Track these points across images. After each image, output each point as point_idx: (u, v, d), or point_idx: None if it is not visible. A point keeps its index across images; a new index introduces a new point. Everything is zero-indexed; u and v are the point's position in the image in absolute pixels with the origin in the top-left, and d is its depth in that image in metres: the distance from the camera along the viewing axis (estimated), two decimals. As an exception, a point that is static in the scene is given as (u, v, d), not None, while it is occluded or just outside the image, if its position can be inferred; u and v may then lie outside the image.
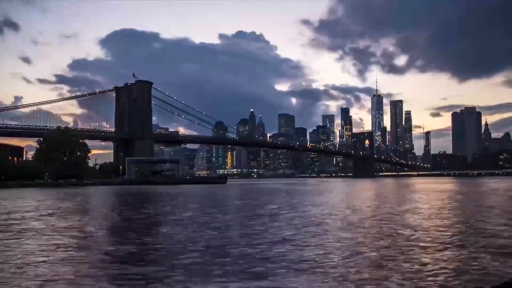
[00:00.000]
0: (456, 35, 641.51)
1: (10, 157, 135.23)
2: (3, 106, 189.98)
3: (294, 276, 10.54)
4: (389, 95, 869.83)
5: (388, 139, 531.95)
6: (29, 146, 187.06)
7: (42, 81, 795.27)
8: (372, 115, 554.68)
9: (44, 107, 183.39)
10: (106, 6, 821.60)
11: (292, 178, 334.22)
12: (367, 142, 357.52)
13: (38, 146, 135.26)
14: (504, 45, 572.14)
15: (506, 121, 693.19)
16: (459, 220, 22.53)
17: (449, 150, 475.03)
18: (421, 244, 15.04)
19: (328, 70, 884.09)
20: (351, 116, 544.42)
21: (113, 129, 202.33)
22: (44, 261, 12.53)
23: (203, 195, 60.49)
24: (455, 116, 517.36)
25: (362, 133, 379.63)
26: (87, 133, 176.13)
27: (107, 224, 24.03)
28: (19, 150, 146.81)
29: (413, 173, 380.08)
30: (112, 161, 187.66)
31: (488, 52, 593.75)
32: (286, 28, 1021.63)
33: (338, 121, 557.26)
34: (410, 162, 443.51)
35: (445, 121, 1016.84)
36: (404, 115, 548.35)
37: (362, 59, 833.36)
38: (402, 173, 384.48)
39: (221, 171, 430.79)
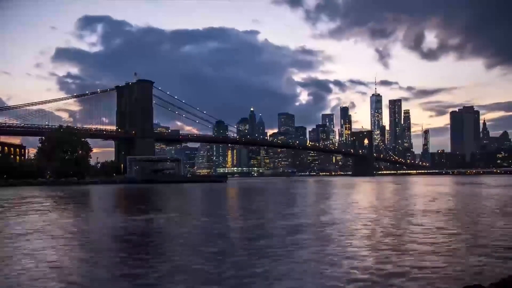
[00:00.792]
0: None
1: (12, 156, 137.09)
2: (5, 105, 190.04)
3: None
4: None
5: (387, 138, 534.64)
6: (31, 144, 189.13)
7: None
8: (371, 114, 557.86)
9: (46, 106, 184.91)
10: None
11: (292, 177, 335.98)
12: (366, 141, 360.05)
13: (40, 145, 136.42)
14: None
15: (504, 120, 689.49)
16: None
17: (448, 149, 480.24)
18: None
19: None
20: (350, 115, 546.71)
21: (114, 128, 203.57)
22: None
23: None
24: (453, 115, 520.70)
25: (361, 132, 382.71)
26: (89, 132, 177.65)
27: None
28: (21, 149, 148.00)
29: (412, 171, 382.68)
30: (113, 159, 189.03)
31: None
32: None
33: (337, 120, 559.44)
34: (409, 161, 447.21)
35: (444, 120, 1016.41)
36: (403, 114, 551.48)
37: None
38: (401, 171, 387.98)
39: (221, 170, 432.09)
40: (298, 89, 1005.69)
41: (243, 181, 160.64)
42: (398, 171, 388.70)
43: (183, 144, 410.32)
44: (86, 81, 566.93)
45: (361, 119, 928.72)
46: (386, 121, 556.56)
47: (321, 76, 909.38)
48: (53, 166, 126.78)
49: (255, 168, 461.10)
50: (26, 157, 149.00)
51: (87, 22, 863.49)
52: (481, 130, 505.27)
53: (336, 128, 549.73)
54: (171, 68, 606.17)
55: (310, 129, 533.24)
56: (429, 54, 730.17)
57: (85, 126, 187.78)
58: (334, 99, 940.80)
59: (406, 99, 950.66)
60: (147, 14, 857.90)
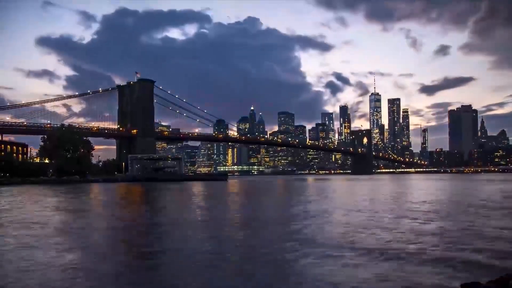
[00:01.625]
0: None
1: (14, 154, 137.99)
2: (7, 103, 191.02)
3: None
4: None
5: (386, 137, 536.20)
6: (33, 143, 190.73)
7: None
8: (370, 113, 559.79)
9: (48, 104, 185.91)
10: None
11: (291, 175, 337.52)
12: (365, 139, 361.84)
13: (42, 143, 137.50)
14: None
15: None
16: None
17: (446, 147, 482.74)
18: None
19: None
20: (349, 114, 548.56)
21: (116, 127, 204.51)
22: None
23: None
24: (452, 114, 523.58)
25: (361, 131, 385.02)
26: (90, 130, 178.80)
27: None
28: (23, 147, 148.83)
29: (410, 170, 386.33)
30: (115, 158, 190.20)
31: None
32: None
33: (337, 118, 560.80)
34: (407, 159, 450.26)
35: (442, 118, 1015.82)
36: (401, 113, 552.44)
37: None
38: (400, 170, 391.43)
39: (221, 168, 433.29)
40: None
41: (248, 180, 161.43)
42: (397, 170, 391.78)
43: (184, 143, 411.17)
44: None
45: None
46: (385, 120, 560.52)
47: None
48: (55, 165, 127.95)
49: (255, 167, 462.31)
50: (29, 155, 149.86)
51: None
52: (479, 128, 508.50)
53: (336, 127, 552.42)
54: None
55: (310, 128, 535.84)
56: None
57: (86, 125, 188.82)
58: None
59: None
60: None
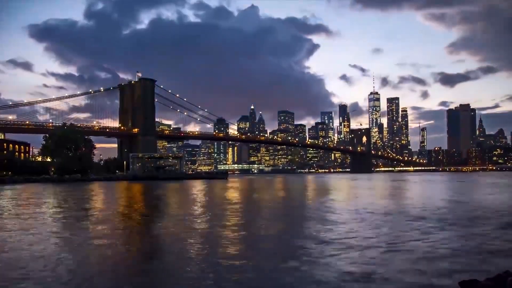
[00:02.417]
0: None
1: (17, 153, 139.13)
2: (10, 103, 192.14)
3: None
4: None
5: (385, 136, 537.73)
6: (35, 142, 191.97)
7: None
8: (369, 112, 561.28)
9: (50, 104, 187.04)
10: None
11: (291, 174, 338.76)
12: (364, 138, 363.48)
13: (44, 142, 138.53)
14: None
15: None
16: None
17: (445, 146, 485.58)
18: None
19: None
20: (348, 112, 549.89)
21: (117, 125, 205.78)
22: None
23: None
24: (450, 113, 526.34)
25: (360, 130, 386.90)
26: (92, 129, 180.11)
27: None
28: (25, 146, 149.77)
29: (409, 168, 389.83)
30: (116, 156, 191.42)
31: None
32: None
33: (337, 117, 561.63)
34: (406, 158, 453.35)
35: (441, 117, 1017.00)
36: (400, 112, 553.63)
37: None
38: (399, 168, 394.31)
39: (222, 167, 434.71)
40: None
41: (249, 179, 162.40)
42: (396, 168, 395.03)
43: (185, 141, 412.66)
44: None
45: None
46: (384, 118, 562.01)
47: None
48: (57, 163, 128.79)
49: (255, 165, 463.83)
50: (31, 154, 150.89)
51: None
52: (477, 127, 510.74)
53: (335, 126, 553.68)
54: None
55: (310, 127, 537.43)
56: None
57: (88, 124, 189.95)
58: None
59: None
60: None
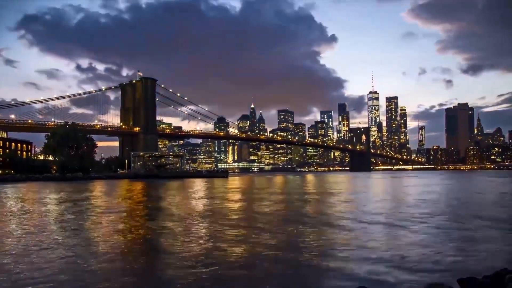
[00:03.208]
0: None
1: (19, 152, 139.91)
2: (12, 102, 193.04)
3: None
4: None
5: (384, 134, 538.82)
6: (37, 141, 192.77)
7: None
8: (368, 111, 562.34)
9: (52, 103, 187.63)
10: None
11: (291, 172, 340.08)
12: (363, 137, 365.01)
13: (46, 141, 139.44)
14: None
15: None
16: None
17: (443, 145, 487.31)
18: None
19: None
20: (348, 111, 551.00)
21: (119, 124, 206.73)
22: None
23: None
24: (448, 112, 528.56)
25: (359, 128, 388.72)
26: (94, 128, 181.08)
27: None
28: (28, 145, 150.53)
29: (408, 167, 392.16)
30: (117, 155, 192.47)
31: None
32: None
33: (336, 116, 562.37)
34: (405, 156, 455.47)
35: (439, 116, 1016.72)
36: (399, 111, 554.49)
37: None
38: (398, 167, 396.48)
39: (222, 165, 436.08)
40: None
41: (251, 177, 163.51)
42: (395, 167, 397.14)
43: (186, 140, 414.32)
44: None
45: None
46: (383, 117, 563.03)
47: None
48: (59, 162, 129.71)
49: (255, 164, 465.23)
50: (33, 153, 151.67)
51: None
52: (475, 126, 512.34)
53: (335, 124, 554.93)
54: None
55: (309, 126, 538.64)
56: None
57: (90, 123, 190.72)
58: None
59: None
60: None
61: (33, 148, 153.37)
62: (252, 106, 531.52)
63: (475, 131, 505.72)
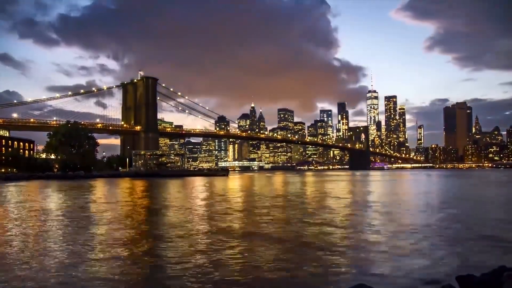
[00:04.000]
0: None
1: (21, 150, 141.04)
2: (14, 101, 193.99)
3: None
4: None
5: (383, 133, 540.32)
6: (39, 139, 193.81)
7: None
8: (367, 110, 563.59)
9: (54, 102, 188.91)
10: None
11: (291, 170, 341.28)
12: (363, 135, 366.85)
13: (48, 139, 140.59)
14: None
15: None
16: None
17: (442, 143, 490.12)
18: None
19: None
20: (347, 110, 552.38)
21: (120, 123, 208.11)
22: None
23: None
24: (447, 111, 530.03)
25: (358, 127, 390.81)
26: (95, 126, 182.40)
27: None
28: (30, 143, 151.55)
29: (406, 165, 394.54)
30: (119, 153, 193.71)
31: None
32: None
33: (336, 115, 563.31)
34: (404, 155, 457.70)
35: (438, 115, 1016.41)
36: (398, 110, 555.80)
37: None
38: (396, 165, 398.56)
39: (222, 164, 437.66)
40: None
41: (250, 175, 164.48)
42: (393, 165, 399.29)
43: (186, 139, 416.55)
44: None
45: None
46: (382, 116, 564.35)
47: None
48: (61, 160, 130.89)
49: (256, 162, 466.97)
50: (35, 151, 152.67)
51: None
52: (473, 125, 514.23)
53: (334, 123, 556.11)
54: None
55: (309, 124, 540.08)
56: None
57: (91, 121, 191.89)
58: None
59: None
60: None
61: (35, 147, 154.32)
62: (252, 105, 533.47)
63: (473, 130, 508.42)
